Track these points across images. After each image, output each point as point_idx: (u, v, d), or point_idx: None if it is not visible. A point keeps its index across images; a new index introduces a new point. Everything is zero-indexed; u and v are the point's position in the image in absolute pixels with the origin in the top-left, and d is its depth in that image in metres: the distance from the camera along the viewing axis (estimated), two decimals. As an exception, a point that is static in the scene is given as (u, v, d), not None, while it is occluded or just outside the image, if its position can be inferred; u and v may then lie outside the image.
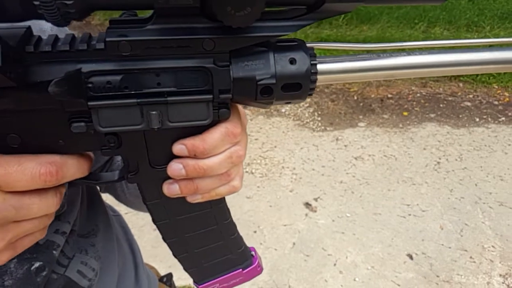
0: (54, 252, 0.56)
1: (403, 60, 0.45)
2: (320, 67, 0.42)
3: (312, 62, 0.41)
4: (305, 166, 2.99)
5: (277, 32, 0.39)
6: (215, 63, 0.39)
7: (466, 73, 0.48)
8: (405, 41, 0.46)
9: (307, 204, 2.66)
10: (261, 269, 0.62)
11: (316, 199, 2.69)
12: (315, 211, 2.60)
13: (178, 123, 0.41)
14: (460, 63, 0.46)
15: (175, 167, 0.44)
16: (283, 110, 3.63)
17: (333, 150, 3.17)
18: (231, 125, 0.43)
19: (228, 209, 0.55)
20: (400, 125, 3.43)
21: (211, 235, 0.55)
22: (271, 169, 2.96)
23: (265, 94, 0.41)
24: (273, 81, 0.40)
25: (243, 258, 0.60)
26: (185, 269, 0.59)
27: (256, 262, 0.61)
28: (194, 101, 0.40)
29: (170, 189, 0.46)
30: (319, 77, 0.42)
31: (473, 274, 2.20)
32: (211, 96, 0.40)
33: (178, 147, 0.43)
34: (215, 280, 0.60)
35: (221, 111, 0.42)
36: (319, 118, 3.56)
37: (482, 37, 4.67)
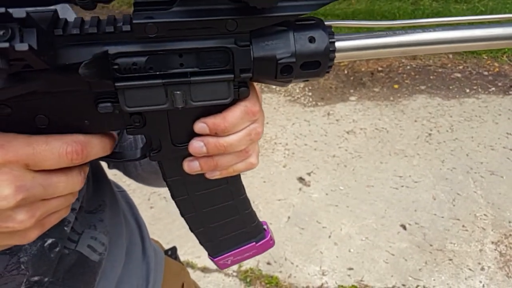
0: (65, 228, 0.58)
1: (419, 37, 0.45)
2: (338, 44, 0.43)
3: (330, 40, 0.42)
4: (298, 141, 2.99)
5: (297, 12, 0.39)
6: (236, 43, 0.40)
7: (480, 49, 0.48)
8: (421, 18, 0.48)
9: (301, 179, 2.66)
10: (273, 242, 0.64)
11: (309, 174, 2.70)
12: (309, 186, 2.62)
13: (201, 102, 0.42)
14: (475, 39, 0.46)
15: (196, 145, 0.45)
16: (273, 86, 3.61)
17: (324, 124, 3.16)
18: (250, 103, 0.44)
19: (243, 185, 0.56)
20: (391, 98, 3.43)
21: (227, 210, 0.57)
22: (264, 145, 2.95)
23: (285, 72, 0.42)
24: (293, 59, 0.41)
25: (256, 232, 0.62)
26: (201, 243, 0.60)
27: (269, 236, 0.63)
28: (216, 81, 0.41)
29: (191, 166, 0.48)
30: (337, 54, 0.43)
31: (466, 242, 2.24)
32: (232, 76, 0.41)
33: (200, 126, 0.44)
34: (229, 253, 0.62)
35: (241, 90, 0.43)
36: (310, 93, 3.55)
37: (471, 8, 4.65)
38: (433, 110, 3.25)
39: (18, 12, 0.30)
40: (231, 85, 0.42)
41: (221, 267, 0.64)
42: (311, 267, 2.15)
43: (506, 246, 2.20)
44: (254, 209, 0.60)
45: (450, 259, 2.15)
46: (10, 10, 0.30)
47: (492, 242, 2.23)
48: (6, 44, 0.29)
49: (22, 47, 0.29)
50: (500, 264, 2.12)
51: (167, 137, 0.46)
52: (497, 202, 2.43)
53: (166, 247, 1.00)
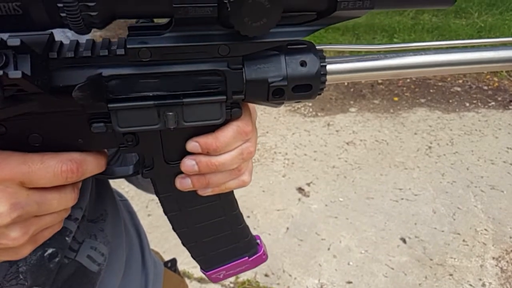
0: (66, 238, 0.57)
1: (409, 60, 0.46)
2: (329, 67, 0.44)
3: (321, 64, 0.43)
4: (297, 151, 2.97)
5: (288, 37, 0.41)
6: (229, 66, 0.41)
7: (471, 72, 0.50)
8: (411, 42, 0.49)
9: (300, 189, 2.64)
10: (266, 257, 0.65)
11: (308, 184, 2.67)
12: (308, 196, 2.59)
13: (193, 123, 0.43)
14: (466, 62, 0.47)
15: (188, 163, 0.46)
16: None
17: (324, 135, 3.15)
18: (243, 123, 0.45)
19: (236, 201, 0.57)
20: (391, 110, 3.42)
21: (220, 225, 0.57)
22: (264, 154, 2.93)
23: (276, 95, 0.43)
24: (285, 83, 0.42)
25: (249, 247, 0.62)
26: (193, 257, 0.61)
27: (262, 250, 0.63)
28: (209, 102, 0.42)
29: (183, 183, 0.48)
30: (328, 77, 0.44)
31: (466, 257, 2.21)
32: (224, 97, 0.42)
33: (192, 145, 0.45)
34: (222, 268, 0.62)
35: (233, 111, 0.44)
36: (310, 104, 3.53)
37: (470, 23, 4.68)
38: (433, 123, 3.24)
39: (13, 40, 0.30)
40: (223, 106, 0.43)
41: (214, 280, 0.64)
42: (310, 279, 2.11)
43: (507, 262, 2.17)
44: (253, 219, 0.60)
45: (451, 274, 2.12)
46: (5, 38, 0.31)
47: (493, 258, 2.20)
48: (0, 72, 0.30)
49: (15, 74, 0.30)
50: (502, 281, 2.09)
51: (160, 155, 0.47)
52: (497, 217, 2.41)
53: (163, 255, 0.98)
